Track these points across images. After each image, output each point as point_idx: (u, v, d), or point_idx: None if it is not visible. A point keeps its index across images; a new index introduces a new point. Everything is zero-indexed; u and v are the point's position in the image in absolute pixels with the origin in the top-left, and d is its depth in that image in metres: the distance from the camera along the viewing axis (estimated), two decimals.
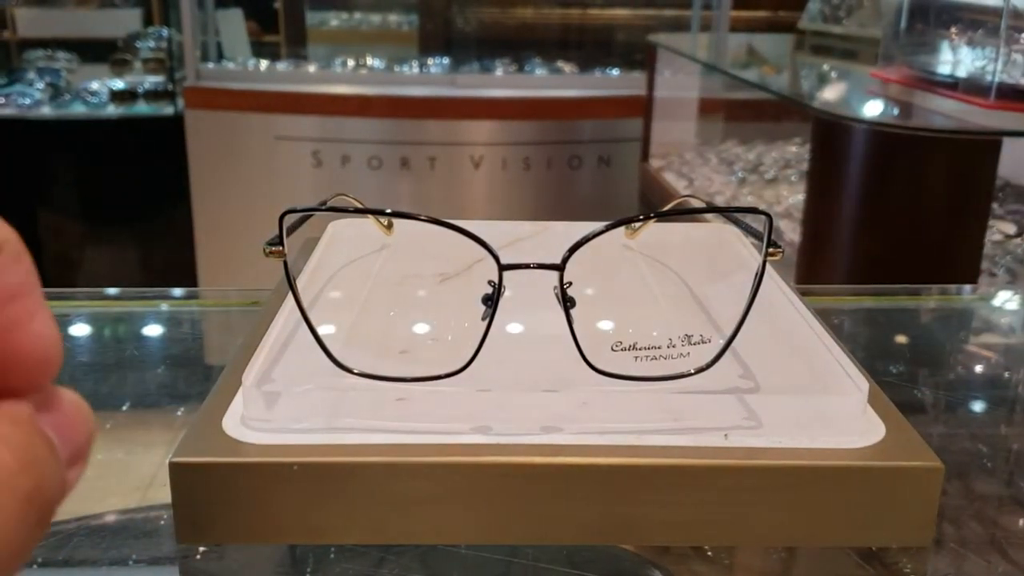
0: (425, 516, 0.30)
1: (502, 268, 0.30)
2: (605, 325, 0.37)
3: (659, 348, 0.34)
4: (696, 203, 0.44)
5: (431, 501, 0.30)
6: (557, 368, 0.33)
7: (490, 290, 0.32)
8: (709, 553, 0.39)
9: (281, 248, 0.32)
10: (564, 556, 0.37)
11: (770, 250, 0.32)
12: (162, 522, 0.40)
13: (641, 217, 0.32)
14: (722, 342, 0.32)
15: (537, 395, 0.32)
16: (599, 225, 0.31)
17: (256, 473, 0.30)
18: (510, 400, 0.32)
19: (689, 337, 0.35)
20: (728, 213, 0.40)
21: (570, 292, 0.32)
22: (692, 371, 0.32)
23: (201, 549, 0.38)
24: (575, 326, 0.31)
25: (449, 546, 0.37)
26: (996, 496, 0.44)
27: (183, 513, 0.30)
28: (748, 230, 0.38)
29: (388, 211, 0.32)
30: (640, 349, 0.34)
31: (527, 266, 0.31)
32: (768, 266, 0.44)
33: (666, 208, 0.42)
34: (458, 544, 0.36)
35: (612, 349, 0.34)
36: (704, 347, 0.34)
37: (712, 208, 0.41)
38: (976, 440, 0.49)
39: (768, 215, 0.32)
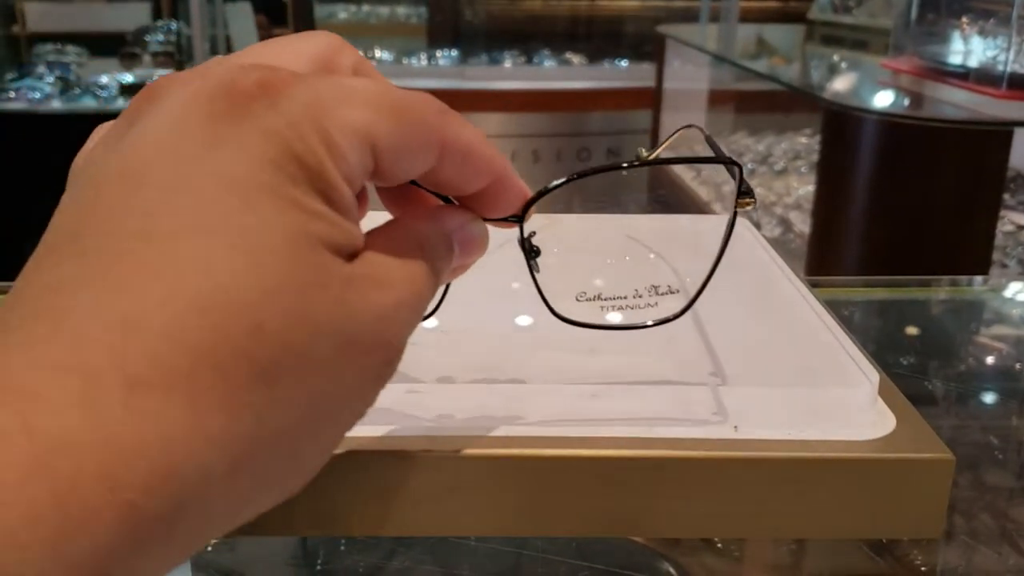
0: (435, 508, 0.30)
1: None
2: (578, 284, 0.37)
3: (625, 298, 0.34)
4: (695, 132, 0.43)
5: (441, 493, 0.30)
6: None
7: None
8: (719, 545, 0.39)
9: None
10: (574, 548, 0.37)
11: (741, 200, 0.31)
12: None
13: (600, 168, 0.32)
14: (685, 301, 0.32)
15: (547, 387, 0.32)
16: (562, 180, 0.31)
17: None
18: (519, 393, 0.32)
19: (656, 288, 0.35)
20: (702, 164, 0.40)
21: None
22: (650, 323, 0.32)
23: (212, 542, 0.38)
24: (545, 279, 0.31)
25: (459, 538, 0.37)
26: (1007, 488, 0.44)
27: None
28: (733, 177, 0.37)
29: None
30: (606, 300, 0.34)
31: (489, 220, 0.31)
32: (778, 257, 0.43)
33: (662, 145, 0.42)
34: (468, 536, 0.37)
35: (576, 300, 0.34)
36: (672, 297, 0.34)
37: (683, 159, 0.41)
38: (987, 432, 0.49)
39: (739, 165, 0.31)
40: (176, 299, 0.17)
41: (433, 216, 0.24)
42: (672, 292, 0.34)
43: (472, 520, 0.31)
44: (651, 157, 0.45)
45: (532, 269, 0.31)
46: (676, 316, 0.32)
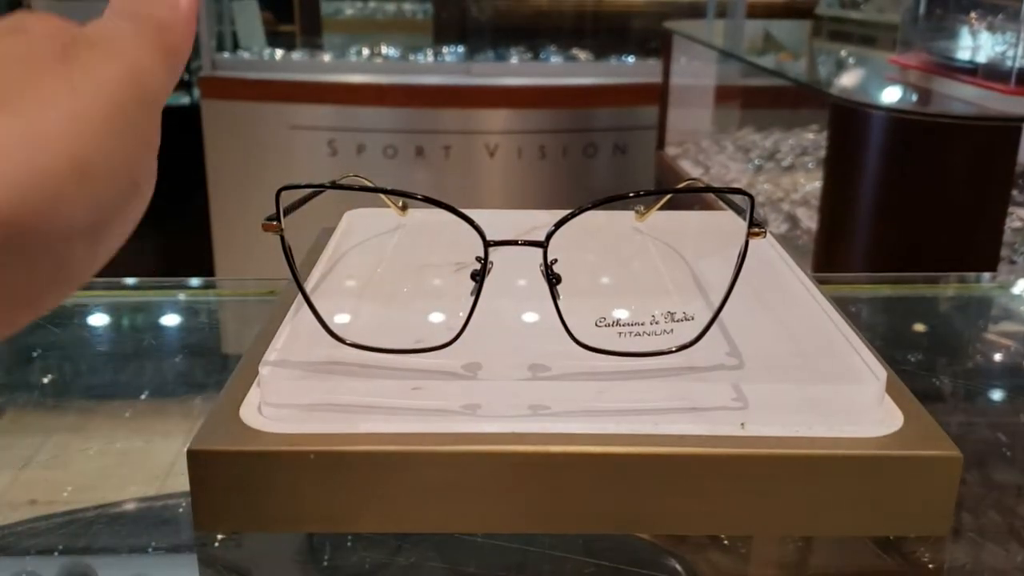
0: (441, 505, 0.30)
1: (488, 244, 0.31)
2: (594, 302, 0.37)
3: (642, 324, 0.35)
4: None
5: (447, 490, 0.30)
6: (553, 349, 0.33)
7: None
8: (726, 542, 0.39)
9: (276, 223, 0.32)
10: (580, 545, 0.37)
11: (753, 229, 0.32)
12: (180, 510, 0.41)
13: (626, 195, 0.33)
14: (705, 321, 0.32)
15: (552, 383, 0.32)
16: (590, 207, 0.32)
17: (273, 461, 0.30)
18: (526, 389, 0.32)
19: (672, 314, 0.35)
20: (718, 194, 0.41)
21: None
22: (674, 348, 0.32)
23: (219, 537, 0.38)
24: (561, 302, 0.32)
25: (465, 535, 0.37)
26: (1015, 485, 0.44)
27: (201, 501, 0.30)
28: (738, 211, 0.38)
29: (385, 189, 0.34)
30: (623, 325, 0.35)
31: (514, 243, 0.32)
32: (785, 254, 0.43)
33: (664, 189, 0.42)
34: (474, 533, 0.37)
35: (596, 325, 0.34)
36: (688, 324, 0.35)
37: (695, 189, 0.41)
38: (995, 429, 0.48)
39: (750, 195, 0.32)
40: None
41: None
42: (687, 319, 0.35)
43: (478, 517, 0.31)
44: (657, 207, 0.46)
45: (555, 297, 0.31)
46: (693, 342, 0.32)
